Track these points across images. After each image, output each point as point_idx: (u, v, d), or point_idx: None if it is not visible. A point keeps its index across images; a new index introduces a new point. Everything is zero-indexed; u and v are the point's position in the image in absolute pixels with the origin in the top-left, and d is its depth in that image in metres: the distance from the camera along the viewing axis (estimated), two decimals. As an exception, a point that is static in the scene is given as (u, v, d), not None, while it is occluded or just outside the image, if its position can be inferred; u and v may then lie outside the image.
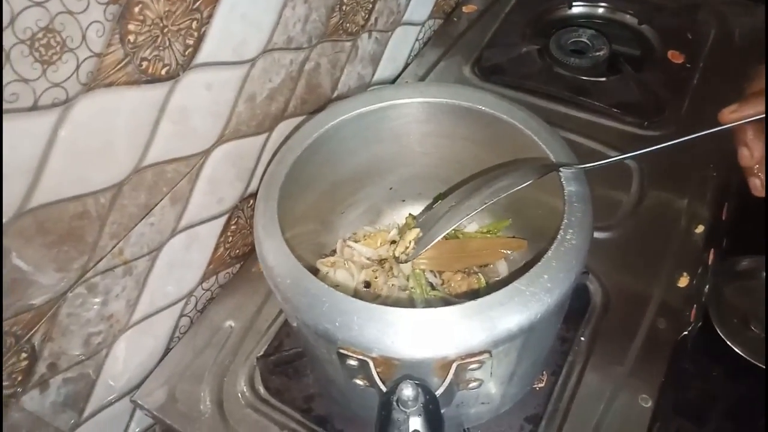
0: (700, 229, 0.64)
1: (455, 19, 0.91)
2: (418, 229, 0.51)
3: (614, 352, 0.56)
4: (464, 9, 0.92)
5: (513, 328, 0.35)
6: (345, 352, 0.36)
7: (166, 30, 0.44)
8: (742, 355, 0.73)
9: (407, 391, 0.33)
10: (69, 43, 0.38)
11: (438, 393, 0.35)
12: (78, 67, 0.39)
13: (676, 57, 0.80)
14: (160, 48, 0.45)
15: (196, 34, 0.47)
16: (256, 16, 0.53)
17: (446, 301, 0.54)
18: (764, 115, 0.40)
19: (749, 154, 0.39)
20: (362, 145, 0.52)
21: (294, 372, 0.56)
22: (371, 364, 0.36)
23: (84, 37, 0.39)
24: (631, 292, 0.60)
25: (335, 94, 0.71)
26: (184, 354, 0.58)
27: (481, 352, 0.35)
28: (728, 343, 0.74)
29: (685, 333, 0.59)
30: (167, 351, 0.59)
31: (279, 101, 0.61)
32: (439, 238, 0.45)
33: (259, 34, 0.55)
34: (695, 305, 0.62)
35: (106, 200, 0.45)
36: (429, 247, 0.46)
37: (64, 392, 0.49)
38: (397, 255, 0.52)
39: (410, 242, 0.50)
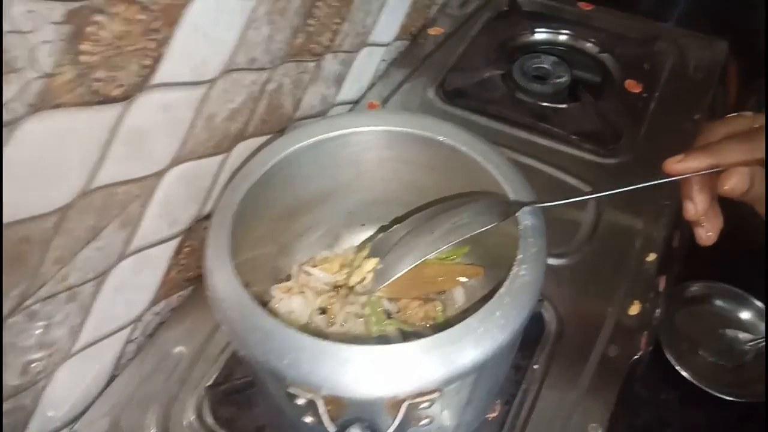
0: (652, 257, 0.66)
1: (421, 40, 0.91)
2: (376, 259, 0.50)
3: (567, 379, 0.57)
4: (430, 31, 0.92)
5: (466, 365, 0.35)
6: (294, 391, 0.35)
7: (121, 50, 0.43)
8: (691, 380, 0.76)
9: (355, 435, 0.32)
10: (14, 63, 0.36)
11: (388, 434, 0.35)
12: (25, 87, 0.38)
13: (633, 86, 0.82)
14: (115, 68, 0.43)
15: (154, 54, 0.46)
16: (218, 35, 0.53)
17: (402, 331, 0.53)
18: (709, 170, 0.40)
19: (693, 208, 0.40)
20: (320, 171, 0.51)
21: (245, 401, 0.55)
22: (320, 403, 0.35)
23: (33, 57, 0.37)
24: (585, 319, 0.61)
25: (297, 114, 0.70)
26: (130, 381, 0.57)
27: (432, 391, 0.35)
28: (677, 368, 0.76)
29: (636, 358, 0.60)
30: (112, 378, 0.57)
31: (239, 121, 0.60)
32: (400, 275, 0.44)
33: (220, 54, 0.54)
34: (646, 332, 0.63)
35: (51, 224, 0.44)
36: (388, 283, 0.46)
37: (-4, 427, 0.47)
38: (351, 285, 0.51)
39: (367, 273, 0.49)
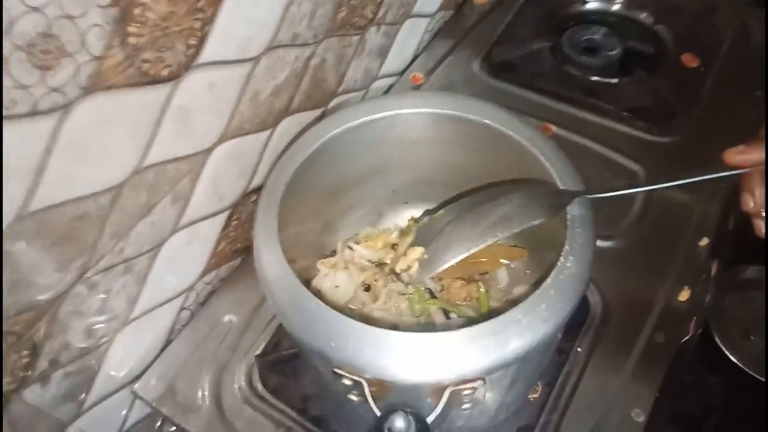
0: (704, 242, 0.64)
1: (466, 11, 0.89)
2: (422, 249, 0.50)
3: (611, 364, 0.56)
4: (476, 0, 0.89)
5: (508, 357, 0.35)
6: (339, 371, 0.36)
7: (168, 31, 0.44)
8: (741, 366, 0.73)
9: (399, 422, 0.33)
10: (68, 48, 0.37)
11: (431, 419, 0.35)
12: (77, 71, 0.38)
13: (690, 61, 0.78)
14: (162, 49, 0.44)
15: (199, 34, 0.46)
16: (261, 13, 0.52)
17: (444, 311, 0.53)
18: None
19: (751, 200, 0.38)
20: (365, 151, 0.51)
21: (292, 371, 0.57)
22: (365, 384, 0.36)
23: (83, 41, 0.38)
24: (631, 304, 0.60)
25: (341, 89, 0.70)
26: (184, 347, 0.59)
27: (474, 379, 0.35)
28: (727, 353, 0.74)
29: (683, 343, 0.59)
30: (167, 343, 0.60)
31: (283, 98, 0.60)
32: (446, 266, 0.44)
33: (263, 31, 0.53)
34: (695, 318, 0.62)
35: (107, 201, 0.45)
36: (434, 273, 0.46)
37: (65, 386, 0.50)
38: (397, 271, 0.51)
39: (413, 262, 0.49)
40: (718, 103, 0.74)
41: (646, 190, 0.43)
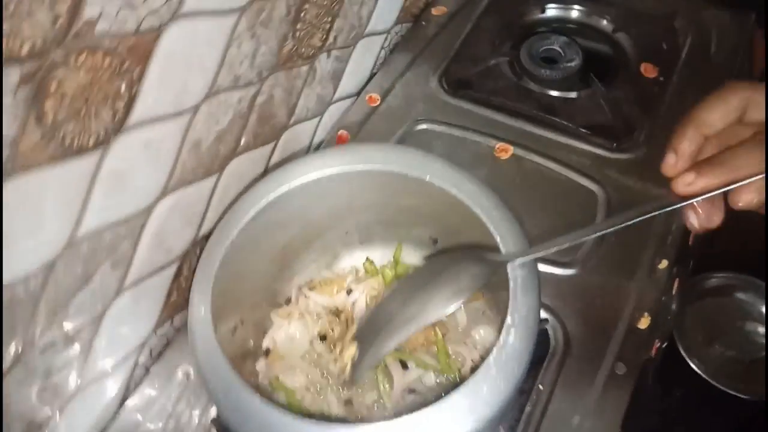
0: (664, 264, 0.63)
1: (423, 23, 0.86)
2: (354, 346, 0.49)
3: (573, 399, 0.55)
4: (433, 11, 0.87)
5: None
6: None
7: (90, 100, 0.41)
8: (703, 375, 0.74)
9: None
10: (-25, 135, 0.35)
11: None
12: (-11, 157, 0.36)
13: (649, 71, 0.77)
14: (85, 120, 0.41)
15: (126, 96, 0.44)
16: (197, 61, 0.50)
17: (401, 361, 0.52)
18: (725, 189, 0.38)
19: (695, 219, 0.38)
20: (312, 205, 0.50)
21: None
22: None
23: (-6, 127, 0.35)
24: (592, 334, 0.59)
25: (292, 120, 0.68)
26: (139, 409, 0.57)
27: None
28: (691, 364, 0.75)
29: (645, 363, 0.59)
30: (121, 405, 0.58)
31: (228, 141, 0.58)
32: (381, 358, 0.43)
33: (201, 79, 0.51)
34: (657, 341, 0.62)
35: (38, 282, 0.43)
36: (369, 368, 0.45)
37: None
38: (336, 372, 0.51)
39: (349, 360, 0.48)
40: (677, 115, 0.73)
41: (585, 239, 0.43)
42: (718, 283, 0.80)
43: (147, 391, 0.58)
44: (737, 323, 0.77)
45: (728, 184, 0.37)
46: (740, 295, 0.78)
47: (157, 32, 0.44)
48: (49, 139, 0.39)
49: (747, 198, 0.36)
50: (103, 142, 0.44)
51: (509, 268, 0.39)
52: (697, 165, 0.39)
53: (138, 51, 0.43)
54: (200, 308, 0.40)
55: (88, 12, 0.37)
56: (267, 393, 0.53)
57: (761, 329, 0.76)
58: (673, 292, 0.66)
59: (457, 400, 0.34)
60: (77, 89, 0.40)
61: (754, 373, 0.74)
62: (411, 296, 0.44)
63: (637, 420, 0.63)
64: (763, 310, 0.77)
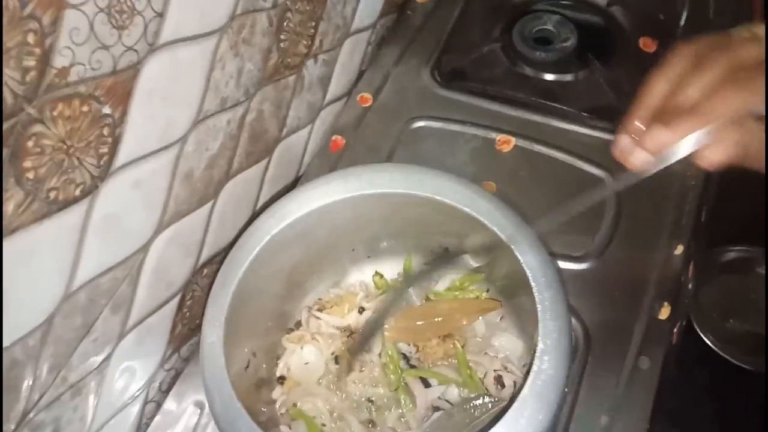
0: (679, 249, 0.62)
1: (409, 12, 0.83)
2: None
3: (598, 400, 0.54)
4: (418, 0, 0.83)
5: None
6: None
7: (72, 150, 0.38)
8: (717, 351, 0.73)
9: None
10: (-47, 208, 0.32)
11: None
12: (-30, 229, 0.34)
13: (648, 45, 0.74)
14: (69, 170, 0.39)
15: (110, 139, 0.41)
16: (180, 91, 0.47)
17: (423, 380, 0.51)
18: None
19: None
20: (316, 232, 0.48)
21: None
22: None
23: (-29, 196, 0.33)
24: (613, 329, 0.58)
25: (284, 132, 0.65)
26: (156, 445, 0.56)
27: None
28: (708, 342, 0.73)
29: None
30: (137, 442, 0.56)
31: (221, 165, 0.55)
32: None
33: (186, 109, 0.48)
34: (676, 329, 0.60)
35: (36, 341, 0.41)
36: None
37: None
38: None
39: None
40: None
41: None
42: (733, 257, 0.78)
43: (160, 427, 0.57)
44: (752, 297, 0.76)
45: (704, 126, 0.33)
46: (756, 269, 0.77)
47: (135, 68, 0.41)
48: (33, 197, 0.37)
49: (716, 157, 0.33)
50: (90, 191, 0.41)
51: (536, 290, 0.37)
52: (664, 117, 0.35)
53: (117, 91, 0.40)
54: (213, 343, 0.38)
55: (60, 61, 0.34)
56: (287, 422, 0.52)
57: (776, 301, 0.75)
58: (690, 273, 0.65)
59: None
60: (57, 142, 0.37)
61: (772, 346, 0.73)
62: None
63: (657, 402, 0.62)
64: (779, 282, 0.76)
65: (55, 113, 0.36)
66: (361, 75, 0.78)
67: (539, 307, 0.37)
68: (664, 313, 0.58)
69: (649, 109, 0.36)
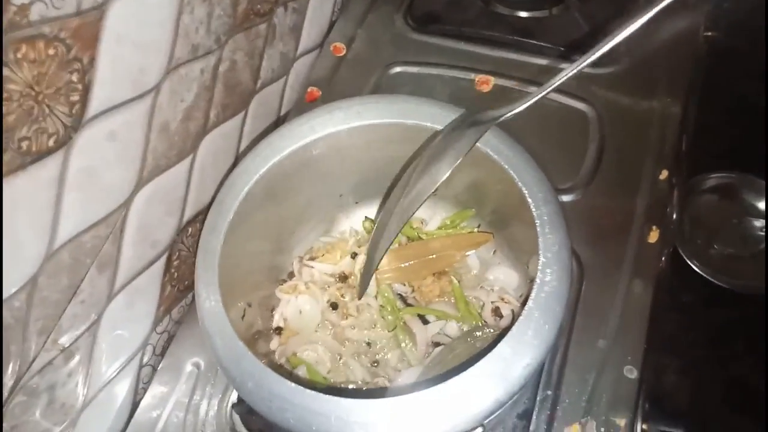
0: (664, 174, 0.62)
1: (377, -42, 0.81)
2: (362, 258, 0.46)
3: (595, 325, 0.55)
4: (385, -56, 0.81)
5: (502, 398, 0.33)
6: (329, 453, 0.33)
7: (41, 97, 0.36)
8: (704, 275, 0.74)
9: None
10: None
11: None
12: (-60, 181, 0.32)
13: (621, -26, 0.73)
14: (40, 119, 0.37)
15: (80, 86, 0.39)
16: (149, 36, 0.45)
17: (421, 316, 0.51)
18: None
19: None
20: (303, 173, 0.46)
21: (275, 409, 0.53)
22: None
23: (-63, 146, 0.31)
24: (604, 257, 0.58)
25: (258, 84, 0.63)
26: (154, 408, 0.55)
27: (473, 428, 0.33)
28: (694, 267, 0.74)
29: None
30: (135, 407, 0.55)
31: (197, 118, 0.53)
32: (382, 256, 0.40)
33: (157, 55, 0.46)
34: (666, 251, 0.61)
35: (21, 302, 0.39)
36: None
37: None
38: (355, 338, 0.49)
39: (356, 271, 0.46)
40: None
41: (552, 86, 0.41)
42: (713, 183, 0.79)
43: (158, 390, 0.56)
44: (735, 221, 0.77)
45: None
46: (739, 194, 0.77)
47: (101, 9, 0.39)
48: (5, 148, 0.35)
49: None
50: (64, 141, 0.39)
51: (532, 204, 0.37)
52: None
53: (83, 34, 0.38)
54: (209, 299, 0.37)
55: (17, -4, 0.32)
56: (287, 371, 0.51)
57: (758, 223, 0.76)
58: (674, 201, 0.66)
59: (504, 349, 0.33)
60: (24, 86, 0.35)
61: (755, 267, 0.74)
62: (410, 181, 0.40)
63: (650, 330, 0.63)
64: (763, 206, 0.76)
65: (19, 55, 0.34)
66: (332, 25, 0.76)
67: (538, 222, 0.37)
68: (653, 236, 0.59)
69: None
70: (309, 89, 0.70)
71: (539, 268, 0.35)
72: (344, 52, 0.73)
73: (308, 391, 0.33)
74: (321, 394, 0.33)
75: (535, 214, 0.37)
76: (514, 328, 0.33)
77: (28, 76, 0.35)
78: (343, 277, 0.54)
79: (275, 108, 0.68)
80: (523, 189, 0.38)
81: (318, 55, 0.74)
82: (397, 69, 0.71)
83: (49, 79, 0.37)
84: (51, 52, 0.36)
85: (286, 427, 0.33)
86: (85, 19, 0.38)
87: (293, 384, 0.33)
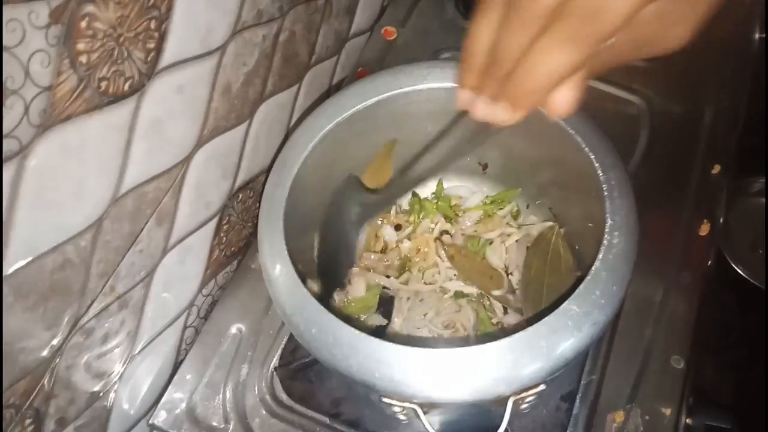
0: (717, 169, 0.61)
1: (430, -54, 0.81)
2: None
3: (641, 314, 0.54)
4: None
5: (568, 356, 0.32)
6: (389, 401, 0.33)
7: (122, 39, 0.37)
8: (751, 281, 0.73)
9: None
10: (10, 85, 0.31)
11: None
12: (27, 108, 0.32)
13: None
14: (119, 61, 0.38)
15: (156, 34, 0.40)
16: (220, -5, 0.46)
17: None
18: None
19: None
20: (354, 139, 0.46)
21: (316, 376, 0.54)
22: (418, 409, 0.33)
23: (27, 73, 0.32)
24: (653, 246, 0.57)
25: (313, 59, 0.64)
26: (195, 368, 0.55)
27: (536, 385, 0.32)
28: (737, 270, 0.73)
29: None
30: (177, 365, 0.56)
31: (256, 84, 0.54)
32: None
33: (225, 15, 0.47)
34: (714, 247, 0.60)
35: (87, 242, 0.40)
36: None
37: (78, 438, 0.46)
38: None
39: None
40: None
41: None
42: (762, 187, 0.78)
43: (200, 352, 0.56)
44: (779, 226, 0.76)
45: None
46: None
47: (181, -41, 0.40)
48: (86, 84, 0.36)
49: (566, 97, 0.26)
50: (138, 87, 0.40)
51: (600, 169, 0.37)
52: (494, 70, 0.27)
53: (164, -20, 0.39)
54: (272, 244, 0.37)
55: (112, -66, 0.33)
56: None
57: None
58: (724, 198, 0.65)
59: (571, 308, 0.32)
60: (108, 27, 0.36)
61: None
62: None
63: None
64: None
65: (107, -6, 0.35)
66: (384, 10, 0.77)
67: (605, 186, 0.36)
68: (704, 229, 0.58)
69: (477, 61, 0.28)
70: (359, 69, 0.71)
71: (606, 231, 0.35)
72: (395, 35, 0.74)
73: (372, 338, 0.33)
74: (385, 342, 0.33)
75: (602, 178, 0.37)
76: (581, 287, 0.33)
77: (112, 16, 0.36)
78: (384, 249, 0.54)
79: (325, 85, 0.69)
80: (590, 154, 0.37)
81: (369, 38, 0.74)
82: (447, 54, 0.71)
83: (129, 22, 0.37)
84: (134, -6, 0.37)
85: (348, 374, 0.33)
86: (166, -32, 0.39)
87: (357, 331, 0.33)
